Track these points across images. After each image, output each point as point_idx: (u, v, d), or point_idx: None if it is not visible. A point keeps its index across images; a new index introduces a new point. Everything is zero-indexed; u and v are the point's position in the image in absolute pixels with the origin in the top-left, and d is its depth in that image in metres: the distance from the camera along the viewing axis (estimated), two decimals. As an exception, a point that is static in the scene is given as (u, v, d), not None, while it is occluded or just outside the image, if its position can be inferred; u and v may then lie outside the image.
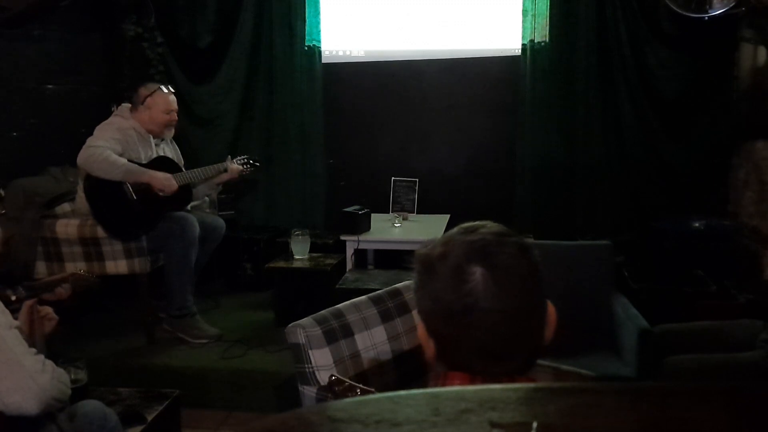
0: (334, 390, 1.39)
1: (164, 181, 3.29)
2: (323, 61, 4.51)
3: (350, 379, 1.79)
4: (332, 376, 1.44)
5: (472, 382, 0.93)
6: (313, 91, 4.51)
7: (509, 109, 4.38)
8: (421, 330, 0.99)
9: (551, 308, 0.97)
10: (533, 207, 4.30)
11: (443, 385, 0.95)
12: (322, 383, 1.93)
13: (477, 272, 0.91)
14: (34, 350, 1.69)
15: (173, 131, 3.56)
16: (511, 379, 0.93)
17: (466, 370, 0.94)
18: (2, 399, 1.61)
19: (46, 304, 2.01)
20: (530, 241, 0.97)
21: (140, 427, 2.19)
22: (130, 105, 3.45)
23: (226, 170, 3.65)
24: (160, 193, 3.33)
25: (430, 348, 0.98)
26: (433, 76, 4.50)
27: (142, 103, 3.40)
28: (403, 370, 2.12)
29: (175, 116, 3.49)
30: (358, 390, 1.38)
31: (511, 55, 4.37)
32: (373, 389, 1.43)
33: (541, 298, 0.95)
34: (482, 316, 0.91)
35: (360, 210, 3.79)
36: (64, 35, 4.07)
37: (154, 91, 3.43)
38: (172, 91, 3.54)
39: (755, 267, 3.57)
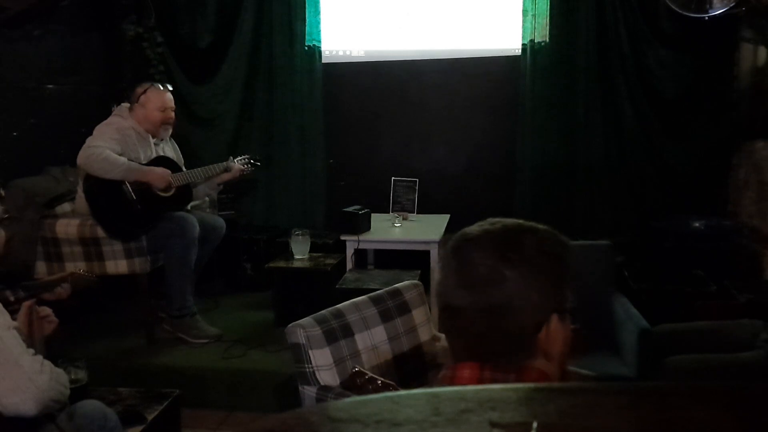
0: (355, 382, 1.40)
1: (160, 174, 3.29)
2: (323, 61, 4.51)
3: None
4: (354, 368, 1.45)
5: (481, 371, 0.95)
6: (313, 91, 4.50)
7: (509, 109, 4.38)
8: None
9: (555, 322, 0.96)
10: (533, 207, 4.30)
11: (453, 375, 0.97)
12: (322, 383, 1.93)
13: (459, 256, 0.96)
14: (32, 351, 1.69)
15: (170, 130, 3.54)
16: (519, 372, 0.94)
17: (463, 359, 0.97)
18: (0, 400, 1.61)
19: (45, 304, 2.01)
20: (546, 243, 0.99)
21: (140, 427, 2.19)
22: (128, 105, 3.45)
23: (227, 170, 3.64)
24: (161, 194, 3.33)
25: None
26: (433, 76, 4.50)
27: (137, 101, 3.41)
28: (403, 370, 2.12)
29: (170, 114, 3.47)
30: (380, 382, 1.39)
31: (511, 55, 4.37)
32: (392, 382, 1.44)
33: (530, 300, 0.94)
34: (460, 308, 0.95)
35: (360, 210, 3.79)
36: (64, 35, 4.07)
37: (148, 88, 3.43)
38: (170, 89, 3.54)
39: (755, 267, 3.57)
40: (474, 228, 1.00)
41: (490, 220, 1.01)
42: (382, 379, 1.42)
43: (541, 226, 1.02)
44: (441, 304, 1.00)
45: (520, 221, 1.01)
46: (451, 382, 0.97)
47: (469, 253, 0.96)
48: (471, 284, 0.94)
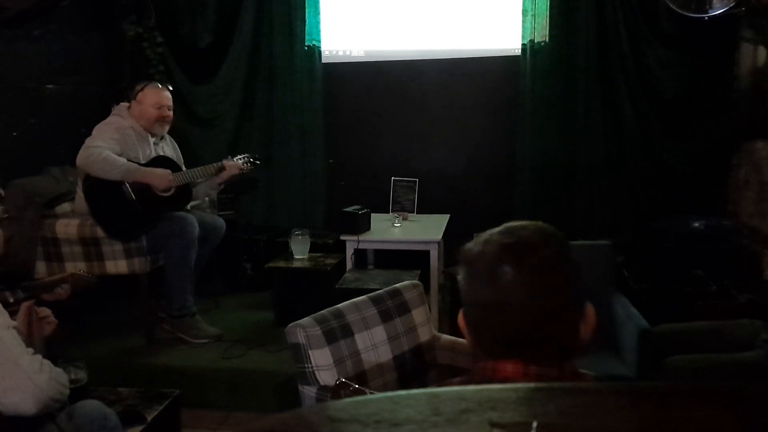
0: (340, 394, 1.39)
1: (161, 175, 3.29)
2: (323, 61, 4.51)
3: (350, 380, 1.79)
4: (338, 379, 1.44)
5: (526, 366, 0.98)
6: (313, 91, 4.50)
7: (509, 109, 4.38)
8: (461, 317, 1.07)
9: (590, 310, 1.04)
10: (533, 207, 4.30)
11: (494, 368, 1.00)
12: (322, 383, 1.93)
13: (508, 273, 0.98)
14: (31, 350, 1.68)
15: (166, 128, 3.54)
16: (560, 368, 0.98)
17: (503, 357, 1.00)
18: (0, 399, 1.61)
19: (45, 305, 2.01)
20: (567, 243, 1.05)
21: (140, 427, 2.19)
22: (127, 104, 3.45)
23: (222, 168, 3.63)
24: (160, 194, 3.33)
25: (468, 335, 1.07)
26: (433, 76, 4.50)
27: (135, 98, 3.42)
28: (403, 369, 2.12)
29: (166, 112, 3.47)
30: (367, 392, 1.38)
31: (511, 55, 4.37)
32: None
33: (574, 298, 1.01)
34: (510, 312, 0.98)
35: (360, 210, 3.79)
36: (64, 35, 4.07)
37: (146, 85, 3.45)
38: (170, 88, 3.55)
39: (755, 267, 3.57)
40: (503, 235, 1.03)
41: (510, 225, 1.05)
42: (369, 390, 1.42)
43: (543, 223, 1.06)
44: (473, 307, 1.03)
45: (535, 222, 1.05)
46: (493, 375, 0.99)
47: (510, 261, 0.98)
48: (520, 291, 0.97)
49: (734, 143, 4.01)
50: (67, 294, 2.26)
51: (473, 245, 1.05)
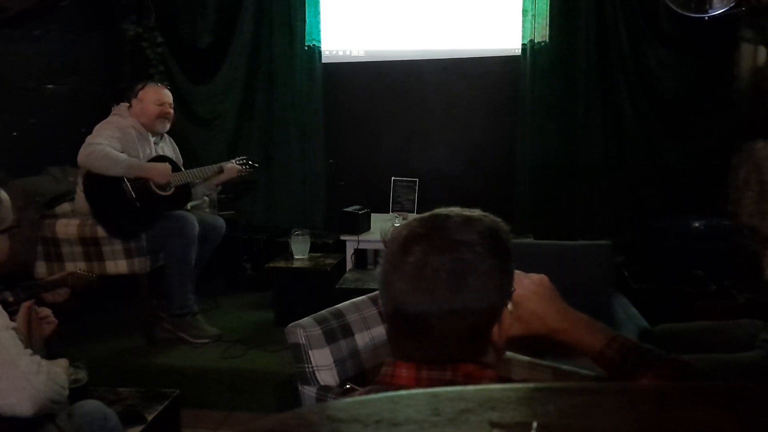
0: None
1: (161, 170, 3.30)
2: (323, 61, 4.51)
3: (350, 381, 1.79)
4: (347, 385, 1.44)
5: (418, 371, 0.93)
6: (313, 91, 4.51)
7: (509, 109, 4.38)
8: (379, 299, 1.01)
9: (506, 317, 0.97)
10: (533, 207, 4.30)
11: (392, 373, 0.95)
12: (322, 383, 1.93)
13: (413, 257, 0.92)
14: (29, 351, 1.68)
15: (168, 125, 3.54)
16: (455, 369, 0.92)
17: (404, 356, 0.95)
18: (-3, 400, 1.61)
19: (45, 304, 2.00)
20: (500, 237, 0.97)
21: (140, 427, 2.19)
22: (128, 104, 3.46)
23: (221, 171, 3.64)
24: (159, 193, 3.34)
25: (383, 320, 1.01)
26: (433, 76, 4.50)
27: (136, 97, 3.43)
28: (403, 370, 2.12)
29: (167, 109, 3.48)
30: None
31: (511, 55, 4.37)
32: None
33: (486, 300, 0.93)
34: (410, 303, 0.92)
35: (360, 210, 3.79)
36: (64, 35, 4.07)
37: (145, 84, 3.48)
38: (168, 86, 3.57)
39: (755, 267, 3.57)
40: (420, 221, 0.96)
41: (437, 212, 0.97)
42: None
43: (486, 215, 0.99)
44: (383, 294, 0.97)
45: (467, 212, 0.97)
46: (391, 381, 0.95)
47: (425, 255, 0.91)
48: (431, 288, 0.91)
49: (734, 143, 4.01)
50: (67, 293, 2.26)
51: (399, 225, 1.02)
